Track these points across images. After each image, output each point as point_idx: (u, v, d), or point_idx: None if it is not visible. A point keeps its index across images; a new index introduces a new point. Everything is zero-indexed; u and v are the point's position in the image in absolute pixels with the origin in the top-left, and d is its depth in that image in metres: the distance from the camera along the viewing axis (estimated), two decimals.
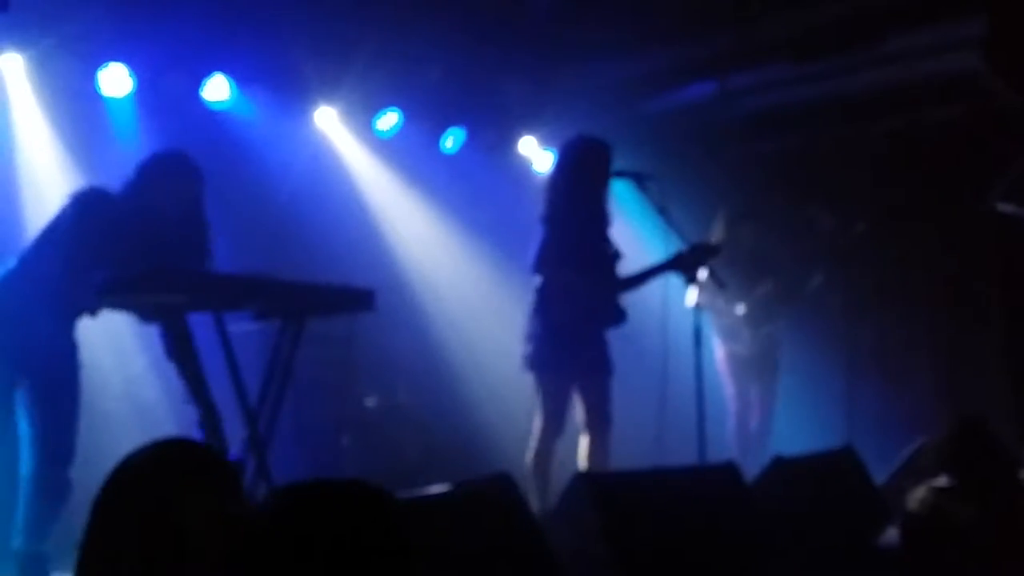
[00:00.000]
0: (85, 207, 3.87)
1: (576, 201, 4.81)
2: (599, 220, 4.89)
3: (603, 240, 4.91)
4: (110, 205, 3.91)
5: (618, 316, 4.85)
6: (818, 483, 4.13)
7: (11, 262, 3.92)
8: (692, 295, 4.93)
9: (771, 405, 6.25)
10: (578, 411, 4.83)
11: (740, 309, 6.15)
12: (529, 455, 4.79)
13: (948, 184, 6.41)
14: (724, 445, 5.94)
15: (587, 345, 4.75)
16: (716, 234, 6.09)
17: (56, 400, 3.83)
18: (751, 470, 4.23)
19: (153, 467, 1.74)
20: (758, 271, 6.24)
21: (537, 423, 4.78)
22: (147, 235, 3.84)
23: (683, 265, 4.59)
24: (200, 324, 3.74)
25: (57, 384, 3.84)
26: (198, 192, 4.06)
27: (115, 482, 1.74)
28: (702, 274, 4.56)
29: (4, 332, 3.78)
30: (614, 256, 4.92)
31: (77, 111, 5.34)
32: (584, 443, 4.83)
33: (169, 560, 1.66)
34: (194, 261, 3.99)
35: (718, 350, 6.23)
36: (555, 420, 4.76)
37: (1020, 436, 5.68)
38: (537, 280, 4.83)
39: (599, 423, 4.81)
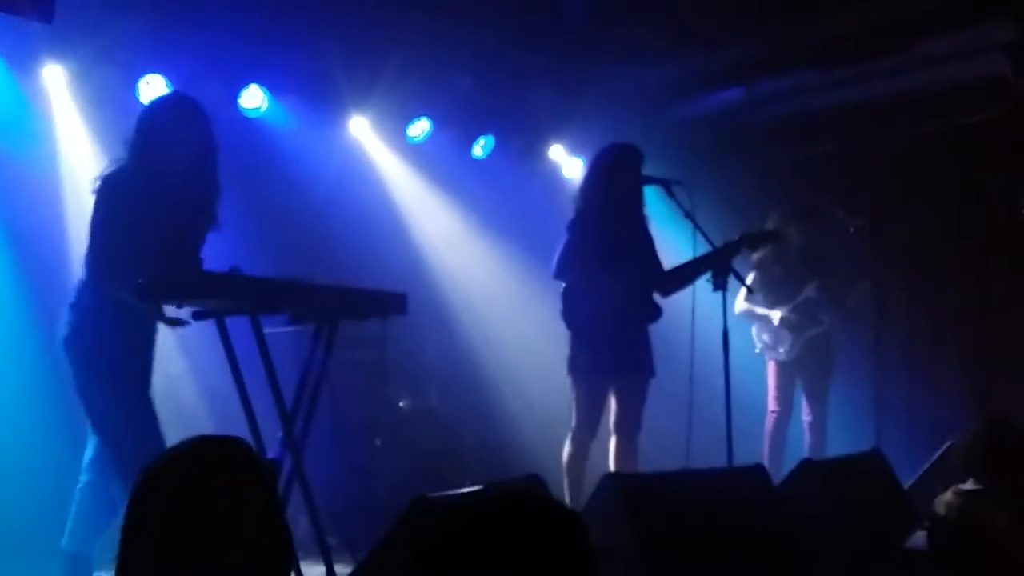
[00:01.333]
0: (103, 190, 3.85)
1: (602, 204, 4.88)
2: (630, 221, 4.94)
3: (635, 240, 4.96)
4: (123, 179, 3.86)
5: (651, 313, 4.89)
6: (846, 486, 4.11)
7: (82, 272, 3.91)
8: (740, 302, 4.94)
9: (821, 414, 6.05)
10: (611, 413, 4.89)
11: (776, 316, 6.05)
12: (564, 455, 4.86)
13: (977, 187, 6.39)
14: (753, 448, 5.94)
15: (621, 345, 4.80)
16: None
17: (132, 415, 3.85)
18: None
19: (190, 463, 1.75)
20: (807, 272, 6.13)
21: (573, 424, 4.85)
22: (161, 201, 3.80)
23: (726, 255, 4.63)
24: (236, 326, 3.80)
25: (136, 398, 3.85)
26: (204, 136, 3.96)
27: (153, 478, 1.74)
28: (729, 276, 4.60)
29: (97, 353, 3.76)
30: (649, 254, 4.97)
31: (117, 119, 5.44)
32: (613, 445, 4.89)
33: (207, 556, 1.66)
34: (206, 221, 4.01)
35: (768, 363, 6.14)
36: (588, 422, 4.83)
37: None
38: (560, 285, 4.91)
39: (628, 426, 4.88)
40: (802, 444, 6.04)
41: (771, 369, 6.14)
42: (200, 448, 1.79)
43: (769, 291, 6.06)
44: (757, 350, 6.10)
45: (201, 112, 3.98)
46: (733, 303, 5.88)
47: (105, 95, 5.40)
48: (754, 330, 6.16)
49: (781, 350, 6.07)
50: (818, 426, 6.05)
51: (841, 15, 5.76)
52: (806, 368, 6.06)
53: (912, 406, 6.53)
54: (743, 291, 5.92)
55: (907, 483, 4.64)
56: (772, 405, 6.10)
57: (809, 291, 6.06)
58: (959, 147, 6.43)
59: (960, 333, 6.57)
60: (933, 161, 6.55)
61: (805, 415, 6.08)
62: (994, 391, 6.36)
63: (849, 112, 6.69)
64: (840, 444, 5.29)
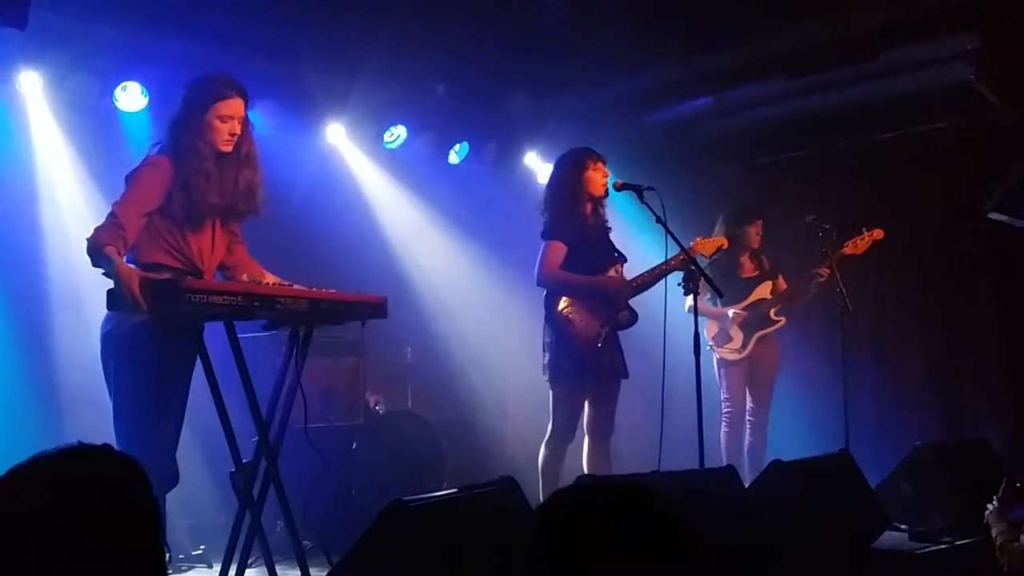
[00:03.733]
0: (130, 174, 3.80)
1: (568, 211, 4.93)
2: (595, 226, 5.00)
3: (602, 245, 5.01)
4: (150, 162, 3.79)
5: (630, 317, 4.95)
6: (815, 486, 4.16)
7: None
8: (689, 301, 5.00)
9: (764, 415, 6.10)
10: (585, 415, 4.93)
11: (729, 314, 6.08)
12: (540, 458, 4.90)
13: (943, 194, 6.48)
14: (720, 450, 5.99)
15: (601, 350, 4.84)
16: (718, 234, 5.92)
17: None
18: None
19: (44, 476, 1.61)
20: (758, 273, 6.21)
21: (550, 427, 4.89)
22: (189, 184, 3.74)
23: (688, 262, 4.69)
24: (212, 330, 3.82)
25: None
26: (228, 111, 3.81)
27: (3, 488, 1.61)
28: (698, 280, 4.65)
29: (122, 355, 3.74)
30: (616, 260, 5.02)
31: (93, 126, 5.46)
32: (586, 447, 4.94)
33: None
34: (246, 204, 3.94)
35: (713, 355, 6.15)
36: (567, 425, 4.87)
37: (1017, 440, 5.76)
38: (544, 292, 4.96)
39: (602, 428, 4.92)
40: (778, 447, 6.07)
41: (723, 370, 6.12)
42: (59, 459, 1.65)
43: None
44: (707, 348, 6.09)
45: (236, 92, 3.88)
46: (703, 305, 5.89)
47: (81, 102, 5.41)
48: (705, 328, 6.13)
49: (731, 347, 6.10)
50: (761, 425, 6.08)
51: (809, 25, 5.84)
52: (753, 366, 6.11)
53: (880, 408, 6.60)
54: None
55: (875, 483, 4.71)
56: (725, 412, 6.10)
57: (761, 292, 6.13)
58: (924, 154, 6.52)
59: (926, 336, 6.65)
60: (897, 169, 6.64)
61: (748, 414, 6.11)
62: (960, 393, 6.46)
63: (816, 119, 6.77)
64: (809, 445, 5.35)
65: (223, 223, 3.98)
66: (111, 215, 3.70)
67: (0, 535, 1.56)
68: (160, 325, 3.62)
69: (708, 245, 5.19)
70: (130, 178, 3.78)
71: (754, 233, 6.18)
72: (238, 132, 3.85)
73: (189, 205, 3.76)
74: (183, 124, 3.83)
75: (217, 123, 3.80)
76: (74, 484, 1.60)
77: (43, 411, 5.06)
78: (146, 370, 3.69)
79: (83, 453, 1.67)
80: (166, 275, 3.64)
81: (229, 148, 3.84)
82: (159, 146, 3.86)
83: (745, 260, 6.19)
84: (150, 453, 3.61)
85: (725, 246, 5.31)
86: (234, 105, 3.84)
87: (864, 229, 5.86)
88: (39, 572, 1.54)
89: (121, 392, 3.73)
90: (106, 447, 1.70)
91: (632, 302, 4.99)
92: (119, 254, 3.62)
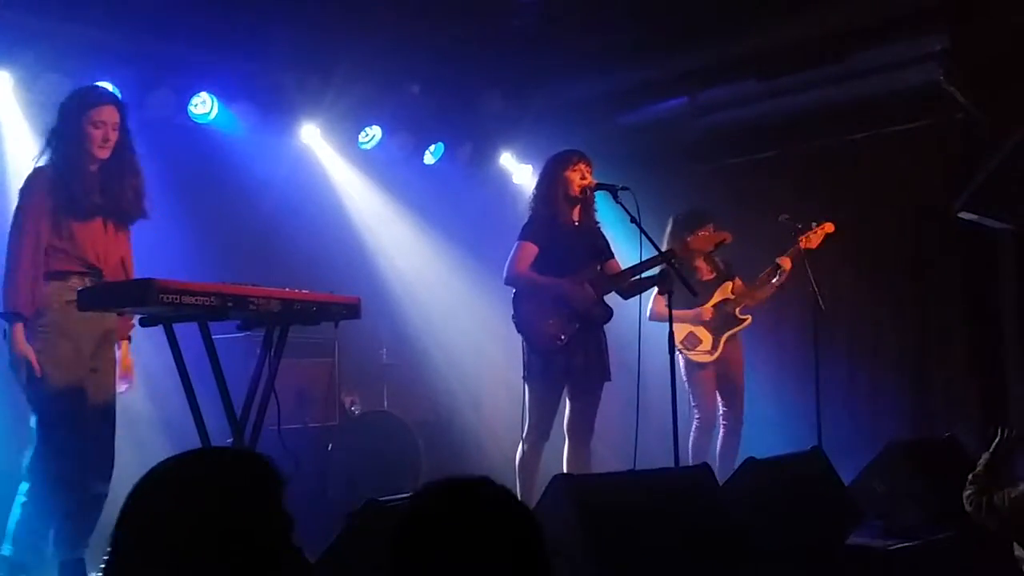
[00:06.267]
0: (23, 187, 3.95)
1: (543, 212, 4.94)
2: (579, 227, 5.00)
3: (586, 243, 5.01)
4: (37, 174, 3.94)
5: (602, 315, 4.95)
6: (789, 483, 4.19)
7: None
8: (653, 306, 4.99)
9: (738, 417, 6.04)
10: (565, 417, 4.94)
11: (698, 316, 5.98)
12: (516, 457, 4.90)
13: (913, 194, 6.54)
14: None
15: (572, 350, 4.84)
16: (667, 239, 5.91)
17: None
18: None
19: (200, 475, 1.67)
20: (716, 275, 6.13)
21: (525, 427, 4.89)
22: (72, 193, 3.89)
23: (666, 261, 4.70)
24: (186, 332, 3.80)
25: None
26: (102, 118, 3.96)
27: (160, 484, 1.65)
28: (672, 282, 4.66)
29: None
30: (597, 259, 5.03)
31: None
32: (567, 449, 4.94)
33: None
34: (134, 207, 4.09)
35: (680, 360, 5.98)
36: (540, 424, 4.87)
37: (985, 438, 5.82)
38: (512, 291, 4.96)
39: (582, 430, 4.92)
40: (751, 445, 6.06)
41: (692, 373, 6.01)
42: (211, 459, 1.74)
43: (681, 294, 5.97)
44: (677, 352, 6.04)
45: (108, 100, 4.04)
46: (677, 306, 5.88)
47: (52, 102, 5.33)
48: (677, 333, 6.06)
49: (701, 350, 6.03)
50: (735, 428, 6.03)
51: (781, 27, 5.89)
52: (723, 369, 6.07)
53: (852, 406, 6.65)
54: (654, 294, 5.82)
55: (848, 481, 4.74)
56: (697, 411, 5.99)
57: (722, 293, 6.13)
58: (894, 154, 6.58)
59: (897, 335, 6.71)
60: (867, 169, 6.70)
61: (723, 417, 6.06)
62: (930, 391, 6.53)
63: (789, 120, 6.82)
64: (782, 443, 5.38)
65: (116, 225, 4.11)
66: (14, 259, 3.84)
67: (135, 543, 1.58)
68: (53, 329, 3.81)
69: (706, 241, 5.16)
70: (20, 209, 3.93)
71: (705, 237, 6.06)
72: (112, 139, 4.00)
73: (72, 204, 3.92)
74: (60, 131, 4.01)
75: (91, 129, 3.96)
76: (208, 487, 1.63)
77: (5, 413, 5.02)
78: (50, 377, 3.83)
79: (213, 455, 1.74)
80: (76, 281, 3.82)
81: (106, 154, 4.00)
82: (38, 158, 4.02)
83: (701, 264, 6.06)
84: (69, 450, 3.81)
85: (728, 240, 5.24)
86: (106, 112, 4.00)
87: (815, 224, 5.85)
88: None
89: (33, 396, 3.86)
90: (235, 448, 1.70)
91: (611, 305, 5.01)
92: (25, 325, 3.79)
